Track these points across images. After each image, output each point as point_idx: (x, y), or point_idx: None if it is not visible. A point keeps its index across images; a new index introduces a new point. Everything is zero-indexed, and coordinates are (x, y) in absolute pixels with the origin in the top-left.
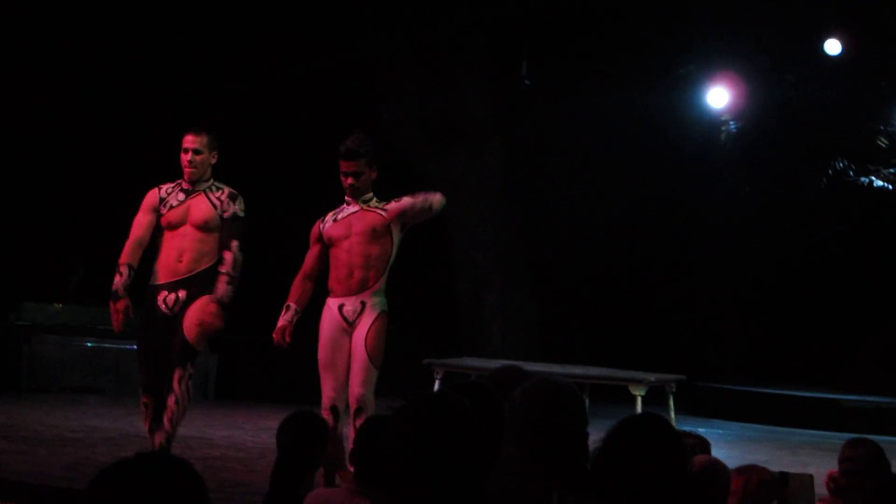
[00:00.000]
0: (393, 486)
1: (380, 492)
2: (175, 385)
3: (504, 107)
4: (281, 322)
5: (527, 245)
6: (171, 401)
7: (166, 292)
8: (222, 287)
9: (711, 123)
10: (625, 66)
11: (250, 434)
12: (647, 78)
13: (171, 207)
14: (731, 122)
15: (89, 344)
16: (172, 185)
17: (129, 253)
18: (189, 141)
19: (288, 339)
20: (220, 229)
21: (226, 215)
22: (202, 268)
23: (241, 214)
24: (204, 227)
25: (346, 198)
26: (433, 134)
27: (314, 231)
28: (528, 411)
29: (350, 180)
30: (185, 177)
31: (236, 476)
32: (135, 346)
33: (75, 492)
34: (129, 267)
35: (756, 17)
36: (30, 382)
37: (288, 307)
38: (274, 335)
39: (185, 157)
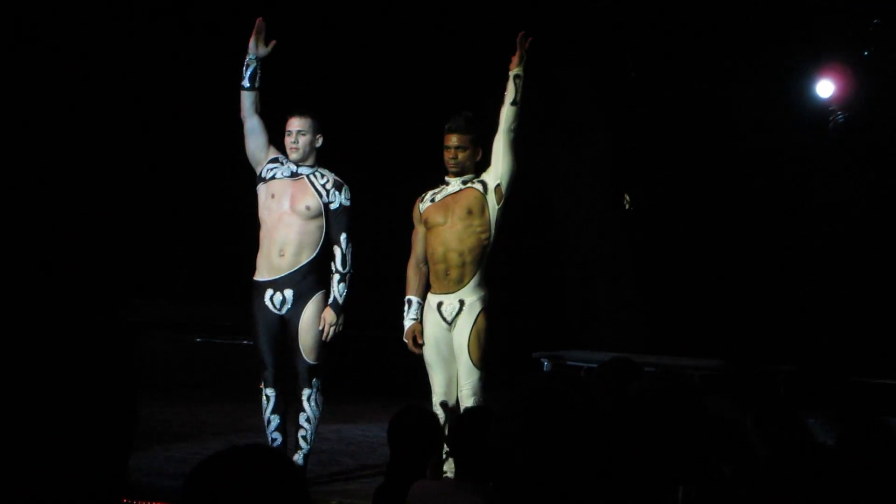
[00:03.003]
0: (504, 479)
1: (481, 482)
2: (304, 404)
3: (610, 99)
4: (409, 323)
5: (634, 236)
6: (302, 420)
7: (272, 291)
8: (335, 288)
9: (819, 113)
10: (732, 56)
11: (360, 428)
12: (755, 68)
13: (275, 177)
14: (839, 113)
15: (198, 339)
16: (279, 159)
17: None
18: (293, 123)
19: (420, 339)
20: (326, 221)
21: (332, 206)
22: (304, 261)
23: (348, 204)
24: (306, 214)
25: (447, 177)
26: (539, 128)
27: (415, 211)
28: (651, 405)
29: (453, 153)
30: (290, 158)
31: (347, 469)
32: (244, 342)
33: None
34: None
35: (862, 6)
36: (139, 378)
37: (409, 301)
38: (406, 339)
39: (289, 140)
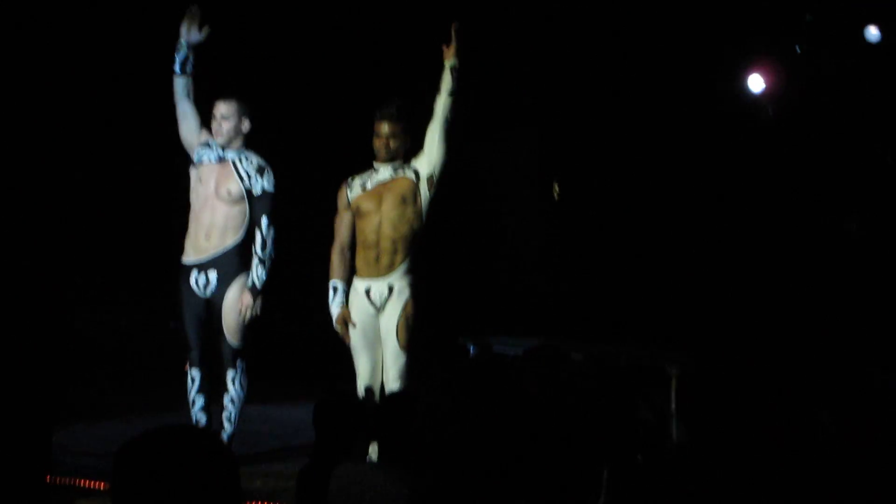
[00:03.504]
0: (432, 460)
1: (405, 465)
2: (229, 385)
3: (540, 86)
4: (337, 309)
5: (563, 224)
6: (226, 401)
7: (197, 272)
8: (254, 271)
9: (751, 107)
10: (664, 46)
11: (285, 409)
12: (688, 59)
13: (202, 162)
14: (770, 107)
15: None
16: (215, 144)
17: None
18: (218, 108)
19: (352, 322)
20: (249, 205)
21: (254, 191)
22: (228, 243)
23: (271, 189)
24: (228, 199)
25: (376, 162)
26: (470, 114)
27: (342, 197)
28: (580, 391)
29: (384, 141)
30: (216, 142)
31: (271, 450)
32: (169, 323)
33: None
34: None
35: (796, 4)
36: (68, 358)
37: (335, 288)
38: (337, 324)
39: (214, 124)
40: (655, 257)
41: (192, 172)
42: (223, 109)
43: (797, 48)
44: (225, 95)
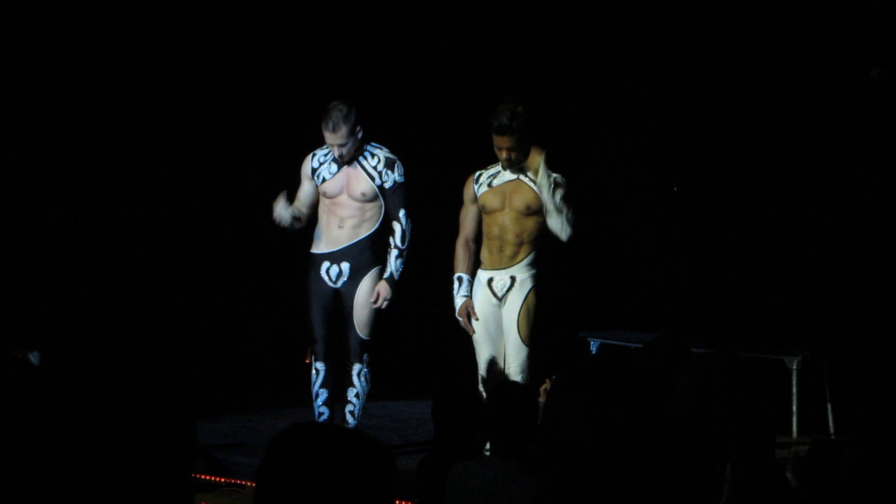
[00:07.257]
0: (555, 455)
1: (516, 457)
2: (354, 379)
3: (663, 81)
4: (461, 300)
5: (685, 216)
6: (350, 395)
7: (329, 263)
8: (392, 263)
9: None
10: (782, 43)
11: (406, 404)
12: (809, 55)
13: (325, 180)
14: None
15: None
16: (325, 153)
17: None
18: (329, 139)
19: (475, 316)
20: (384, 200)
21: (387, 185)
22: (362, 235)
23: (402, 180)
24: (363, 199)
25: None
26: (591, 109)
27: (468, 190)
28: (706, 385)
29: (504, 154)
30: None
31: (393, 446)
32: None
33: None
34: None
35: None
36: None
37: (460, 279)
38: (459, 316)
39: (332, 150)
40: (775, 251)
41: (319, 189)
42: (334, 140)
43: None
44: (330, 125)
